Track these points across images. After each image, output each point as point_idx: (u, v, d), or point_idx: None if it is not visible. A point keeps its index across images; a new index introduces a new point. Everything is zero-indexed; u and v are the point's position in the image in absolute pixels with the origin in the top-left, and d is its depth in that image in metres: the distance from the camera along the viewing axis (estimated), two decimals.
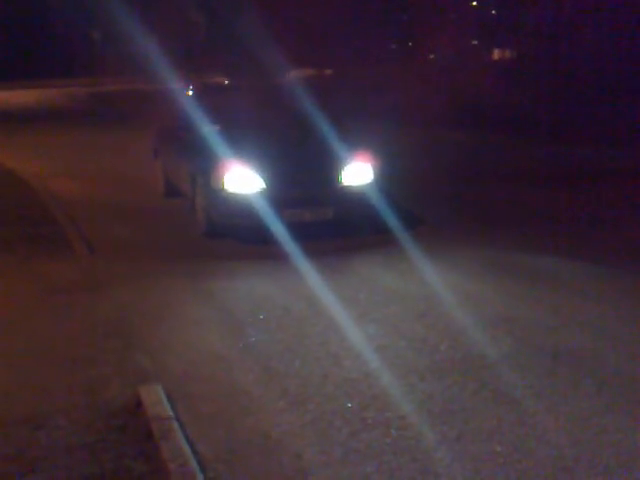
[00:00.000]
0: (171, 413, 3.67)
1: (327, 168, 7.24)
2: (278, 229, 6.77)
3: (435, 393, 3.95)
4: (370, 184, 7.32)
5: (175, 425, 3.56)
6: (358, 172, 7.29)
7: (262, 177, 6.96)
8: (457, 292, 5.60)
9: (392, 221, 7.31)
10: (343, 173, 7.21)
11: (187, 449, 3.34)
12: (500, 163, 11.99)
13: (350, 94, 18.52)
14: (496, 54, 28.65)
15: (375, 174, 7.39)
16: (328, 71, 26.15)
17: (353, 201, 7.21)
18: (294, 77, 21.34)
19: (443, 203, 9.00)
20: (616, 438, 3.48)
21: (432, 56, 26.36)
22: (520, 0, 21.65)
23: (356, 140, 7.66)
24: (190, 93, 8.94)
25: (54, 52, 43.56)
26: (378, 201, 7.25)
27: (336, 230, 7.30)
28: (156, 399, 3.81)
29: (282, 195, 6.95)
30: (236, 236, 7.26)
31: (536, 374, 4.17)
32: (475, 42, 26.87)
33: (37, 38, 43.43)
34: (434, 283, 5.80)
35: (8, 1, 41.52)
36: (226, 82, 21.43)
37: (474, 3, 28.49)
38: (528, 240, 7.21)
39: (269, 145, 7.31)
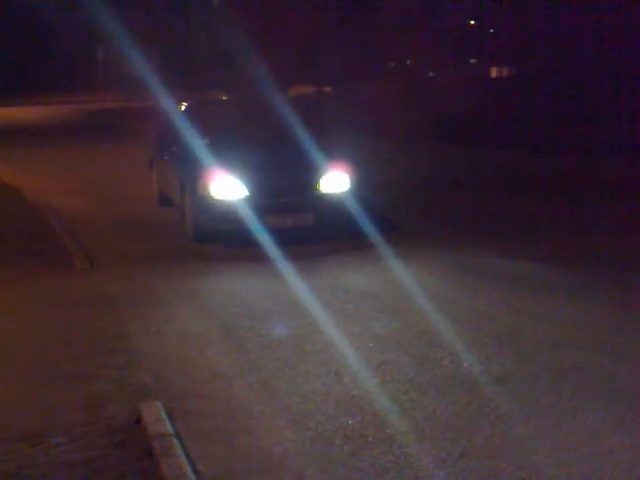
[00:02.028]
0: (171, 430, 3.64)
1: (307, 177, 7.63)
2: (261, 234, 7.15)
3: (437, 410, 3.93)
4: (347, 192, 7.69)
5: (175, 442, 3.52)
6: (336, 181, 7.68)
7: (245, 185, 7.37)
8: (448, 303, 5.62)
9: (368, 227, 7.63)
10: (322, 182, 7.60)
11: (187, 467, 3.31)
12: (493, 176, 12.06)
13: (343, 110, 18.64)
14: (494, 72, 28.84)
15: (352, 183, 7.77)
16: (327, 88, 26.34)
17: (331, 208, 7.58)
18: (292, 94, 21.48)
19: (430, 215, 9.12)
20: (626, 456, 3.41)
21: (431, 74, 26.55)
22: (517, 17, 21.86)
23: (334, 151, 8.03)
24: (183, 108, 9.12)
25: (56, 69, 43.86)
26: (355, 208, 7.64)
27: (316, 235, 7.59)
28: (156, 416, 3.78)
29: (264, 202, 7.34)
30: (223, 242, 7.59)
31: (541, 390, 4.12)
32: (473, 60, 27.08)
33: (39, 55, 43.72)
34: (413, 288, 5.94)
35: (10, 18, 41.82)
36: (224, 98, 21.54)
37: (472, 22, 28.71)
38: (519, 250, 7.23)
39: (253, 156, 7.74)
